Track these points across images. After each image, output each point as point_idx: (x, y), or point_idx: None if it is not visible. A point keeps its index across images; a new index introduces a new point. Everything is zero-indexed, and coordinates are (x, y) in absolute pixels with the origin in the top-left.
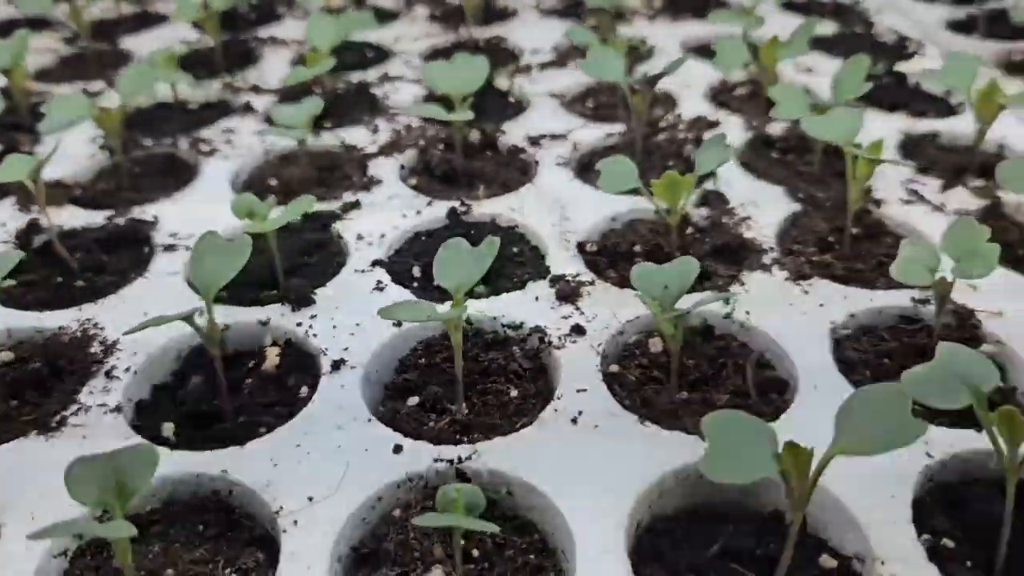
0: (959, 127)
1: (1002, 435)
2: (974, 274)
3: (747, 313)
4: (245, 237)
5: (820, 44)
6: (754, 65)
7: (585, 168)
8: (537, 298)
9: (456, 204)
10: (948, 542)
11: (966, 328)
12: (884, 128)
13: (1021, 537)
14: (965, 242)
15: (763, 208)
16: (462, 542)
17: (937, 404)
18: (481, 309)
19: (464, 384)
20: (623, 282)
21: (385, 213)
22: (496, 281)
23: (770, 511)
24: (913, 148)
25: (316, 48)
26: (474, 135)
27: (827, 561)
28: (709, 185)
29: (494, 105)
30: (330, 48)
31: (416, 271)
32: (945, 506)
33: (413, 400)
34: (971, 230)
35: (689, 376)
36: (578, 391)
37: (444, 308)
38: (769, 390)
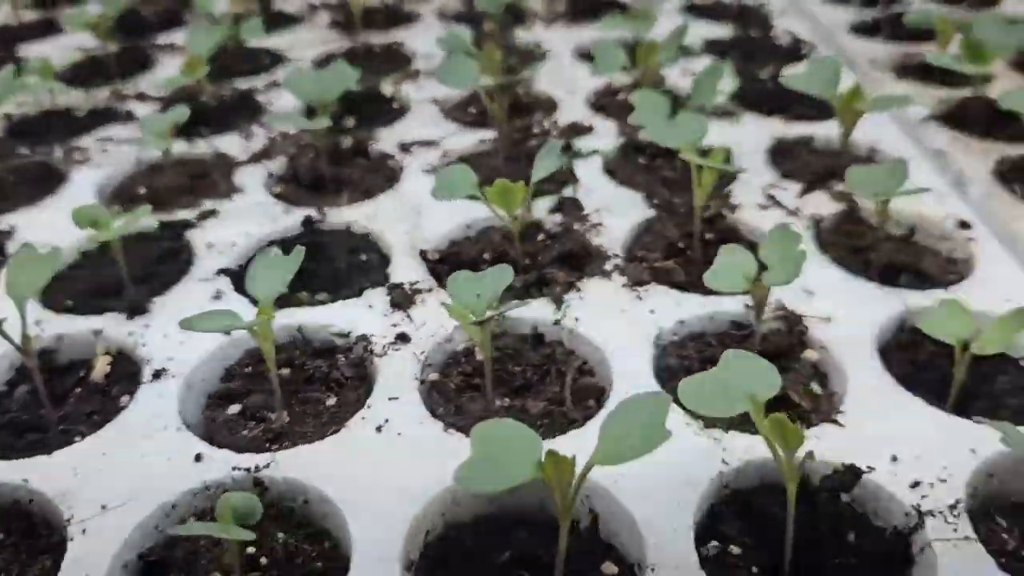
0: (835, 131)
1: (776, 442)
2: (777, 281)
3: (576, 320)
4: (57, 248)
5: (715, 47)
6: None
7: None
8: (371, 306)
9: (312, 212)
10: (735, 548)
11: (793, 334)
12: (757, 133)
13: (809, 542)
14: (778, 249)
15: (618, 214)
16: (253, 550)
17: (712, 412)
18: (314, 317)
19: (287, 392)
20: None
21: (242, 222)
22: (339, 289)
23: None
24: (785, 153)
25: (193, 55)
26: (347, 142)
27: (609, 568)
28: (568, 191)
29: (377, 111)
30: (210, 55)
31: None
32: (737, 512)
33: (234, 408)
34: (785, 237)
35: (514, 383)
36: (390, 399)
37: (251, 317)
38: (587, 397)
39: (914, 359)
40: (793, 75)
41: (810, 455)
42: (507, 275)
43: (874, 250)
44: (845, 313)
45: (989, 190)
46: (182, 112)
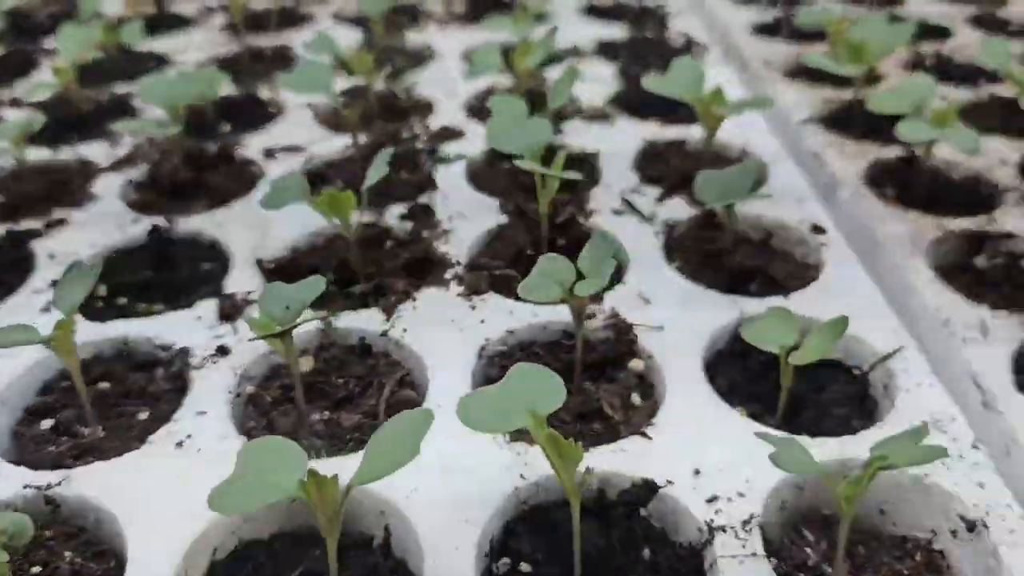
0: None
1: (553, 458)
2: (586, 290)
3: (404, 331)
4: None
5: (608, 49)
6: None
7: (313, 181)
8: (199, 317)
9: (160, 221)
10: (526, 566)
11: (623, 343)
12: (630, 135)
13: (603, 558)
14: (593, 257)
15: (471, 220)
16: (39, 569)
17: (487, 429)
18: (142, 329)
19: (103, 406)
20: None
21: (90, 231)
22: (177, 299)
23: (359, 535)
24: (656, 156)
25: (62, 59)
26: (213, 147)
27: None
28: (424, 198)
29: (253, 116)
30: (91, 59)
31: (102, 290)
32: (533, 528)
33: (47, 423)
34: (600, 244)
35: (335, 395)
36: (198, 414)
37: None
38: (401, 410)
39: (746, 368)
40: (654, 78)
41: (589, 471)
42: (318, 286)
43: (728, 255)
44: (679, 321)
45: (858, 193)
46: (35, 119)
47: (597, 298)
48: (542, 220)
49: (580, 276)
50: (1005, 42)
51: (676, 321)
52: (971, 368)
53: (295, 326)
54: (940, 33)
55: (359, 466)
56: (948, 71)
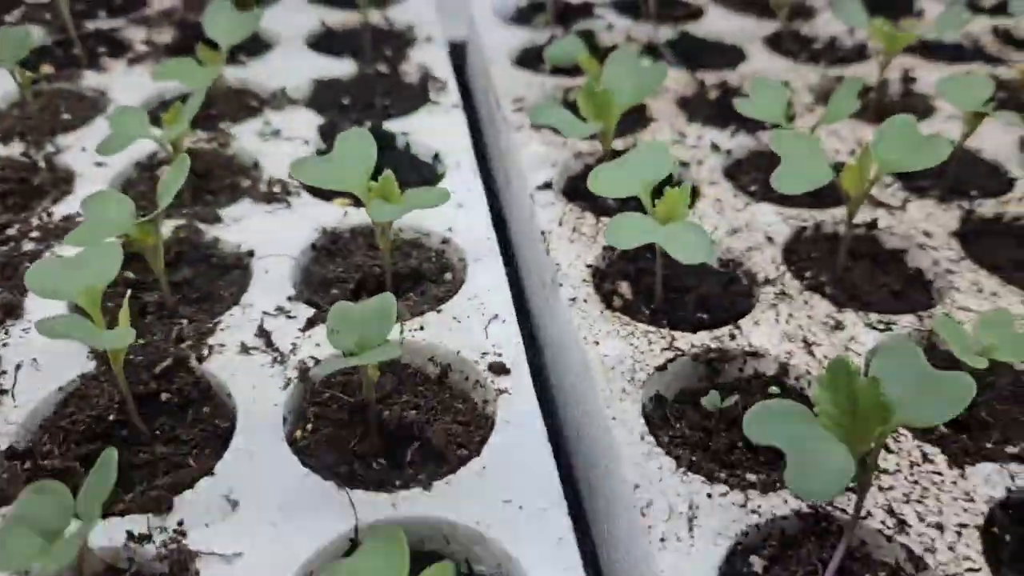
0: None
1: None
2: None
3: None
4: None
5: (327, 91)
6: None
7: None
8: None
9: None
10: None
11: None
12: (306, 223)
13: None
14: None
15: (48, 371)
16: None
17: None
18: None
19: None
20: None
21: None
22: None
23: None
24: (332, 252)
25: None
26: None
27: None
28: None
29: None
30: None
31: None
32: None
33: None
34: (103, 466)
35: None
36: None
37: None
38: None
39: None
40: (307, 163)
41: None
42: None
43: (377, 410)
44: (267, 542)
45: (581, 294)
46: None
47: (160, 507)
48: (118, 376)
49: None
50: (777, 86)
51: (263, 541)
52: None
53: None
54: (734, 56)
55: None
56: (731, 110)
